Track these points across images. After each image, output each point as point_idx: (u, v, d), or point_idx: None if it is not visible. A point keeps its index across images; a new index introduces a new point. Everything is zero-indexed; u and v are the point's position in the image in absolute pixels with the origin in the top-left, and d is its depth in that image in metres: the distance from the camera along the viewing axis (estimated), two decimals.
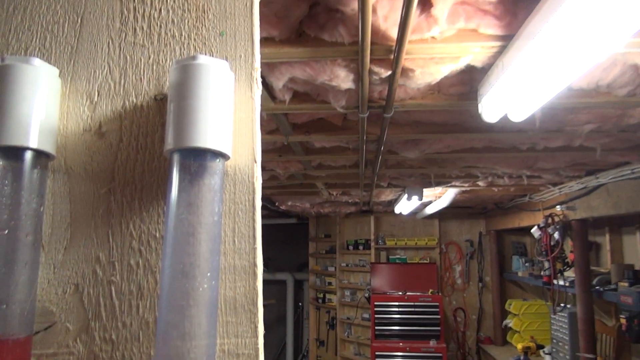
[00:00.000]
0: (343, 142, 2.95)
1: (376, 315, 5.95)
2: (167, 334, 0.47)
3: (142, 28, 0.57)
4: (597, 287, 4.06)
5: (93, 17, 0.57)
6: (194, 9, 0.56)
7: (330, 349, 6.96)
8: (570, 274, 4.48)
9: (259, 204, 0.53)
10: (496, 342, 6.14)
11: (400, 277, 6.38)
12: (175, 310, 0.47)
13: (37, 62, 0.51)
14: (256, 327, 0.50)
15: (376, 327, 5.92)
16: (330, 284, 7.14)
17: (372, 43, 1.48)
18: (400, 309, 5.95)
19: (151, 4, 0.57)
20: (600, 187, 3.69)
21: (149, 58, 0.56)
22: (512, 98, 1.69)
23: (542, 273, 4.69)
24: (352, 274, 6.87)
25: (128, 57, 0.56)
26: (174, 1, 0.57)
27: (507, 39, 1.49)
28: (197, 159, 0.49)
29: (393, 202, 5.68)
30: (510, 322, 5.66)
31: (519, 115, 1.83)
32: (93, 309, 0.51)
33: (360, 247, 6.75)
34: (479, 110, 1.89)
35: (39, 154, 0.50)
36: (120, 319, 0.51)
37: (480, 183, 4.32)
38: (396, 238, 6.66)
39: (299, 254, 7.59)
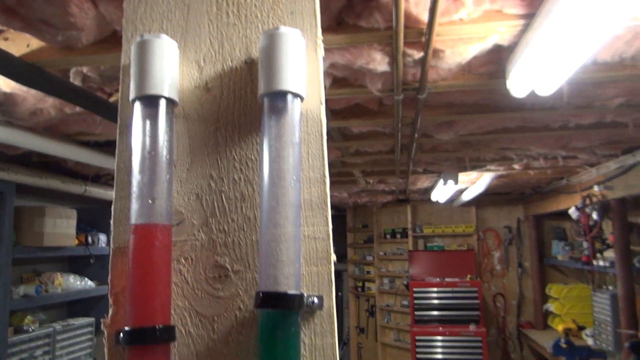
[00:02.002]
0: (379, 127, 3.11)
1: (415, 301, 6.07)
2: (265, 225, 0.66)
3: (233, 12, 0.77)
4: (638, 265, 4.08)
5: (197, 5, 0.77)
6: None
7: (370, 336, 7.13)
8: (610, 254, 4.50)
9: (325, 133, 0.72)
10: (537, 327, 6.17)
11: (438, 264, 6.48)
12: (270, 209, 0.66)
13: (164, 37, 0.71)
14: (327, 219, 0.69)
15: (415, 313, 6.05)
16: (369, 272, 7.31)
17: (405, 27, 1.64)
18: (439, 295, 6.06)
19: None
20: (637, 165, 3.72)
21: (239, 33, 0.76)
22: (538, 72, 1.82)
23: (581, 254, 4.72)
24: (390, 263, 7.01)
25: (224, 33, 0.76)
26: None
27: (529, 17, 1.63)
28: (282, 99, 0.68)
29: (429, 190, 5.79)
30: (551, 306, 5.68)
31: (546, 89, 1.96)
32: (210, 210, 0.71)
33: (398, 236, 6.88)
34: (508, 87, 2.03)
35: (169, 101, 0.70)
36: (230, 216, 0.71)
37: (516, 166, 4.39)
38: (433, 226, 6.76)
39: (337, 246, 7.73)
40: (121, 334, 0.62)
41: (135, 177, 0.67)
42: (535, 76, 1.86)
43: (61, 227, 3.73)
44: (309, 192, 0.70)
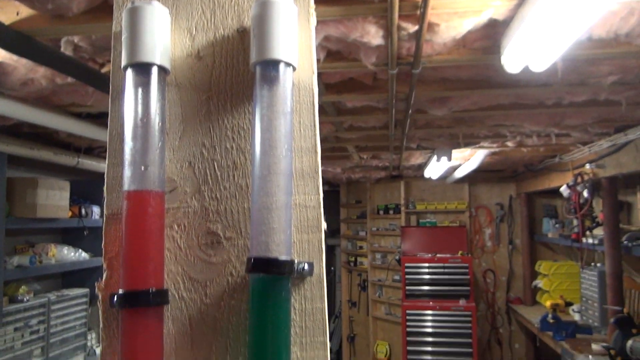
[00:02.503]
0: (373, 102, 3.10)
1: (407, 276, 6.16)
2: (257, 193, 0.67)
3: None
4: (626, 243, 4.14)
5: None
6: None
7: (362, 310, 7.24)
8: (599, 232, 4.57)
9: (316, 103, 0.72)
10: (526, 302, 6.29)
11: (430, 240, 6.55)
12: (262, 177, 0.67)
13: (155, 4, 0.70)
14: (318, 187, 0.71)
15: (407, 287, 6.14)
16: (361, 248, 7.38)
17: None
18: (430, 270, 6.14)
19: None
20: (629, 143, 3.75)
21: (232, 1, 0.75)
22: (533, 48, 1.82)
23: (571, 232, 4.79)
24: (382, 238, 7.08)
25: (216, 1, 0.76)
26: None
27: None
28: (274, 68, 0.68)
29: (423, 166, 5.81)
30: (539, 282, 5.78)
31: (540, 65, 1.96)
32: (202, 178, 0.72)
33: (391, 212, 6.94)
34: (502, 62, 2.02)
35: (160, 69, 0.70)
36: (222, 184, 0.72)
37: (509, 143, 4.41)
38: (426, 202, 6.81)
39: (330, 221, 7.83)
40: (115, 297, 0.63)
41: (128, 144, 0.67)
42: (529, 51, 1.86)
43: (54, 199, 3.73)
44: (301, 161, 0.71)
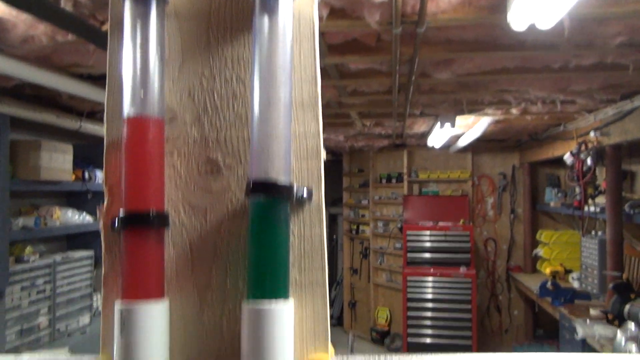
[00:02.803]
0: (377, 64, 3.07)
1: (408, 244, 6.22)
2: (256, 121, 0.67)
3: None
4: (628, 210, 4.16)
5: None
6: None
7: (363, 277, 7.33)
8: (601, 200, 4.58)
9: (317, 34, 0.72)
10: (526, 270, 6.35)
11: (432, 209, 6.58)
12: (262, 106, 0.67)
13: None
14: (317, 116, 0.71)
15: (408, 255, 6.20)
16: (363, 216, 7.43)
17: None
18: (431, 238, 6.19)
19: None
20: (635, 110, 3.72)
21: None
22: (539, 3, 1.79)
23: (573, 199, 4.80)
24: (385, 207, 7.11)
25: None
26: None
27: None
28: None
29: (426, 135, 5.79)
30: (540, 250, 5.82)
31: (546, 22, 1.93)
32: (202, 107, 0.72)
33: (393, 181, 6.95)
34: (508, 19, 1.99)
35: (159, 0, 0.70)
36: (221, 114, 0.72)
37: (513, 110, 4.38)
38: (429, 171, 6.81)
39: (333, 190, 7.86)
40: (116, 220, 0.64)
41: (127, 71, 0.67)
42: (536, 8, 1.83)
43: (57, 162, 3.75)
44: (300, 91, 0.71)
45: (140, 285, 0.63)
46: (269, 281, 0.62)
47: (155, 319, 0.63)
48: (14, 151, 3.48)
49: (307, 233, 0.68)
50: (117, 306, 0.63)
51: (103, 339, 0.68)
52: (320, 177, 0.70)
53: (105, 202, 0.69)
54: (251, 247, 0.64)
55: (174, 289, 0.68)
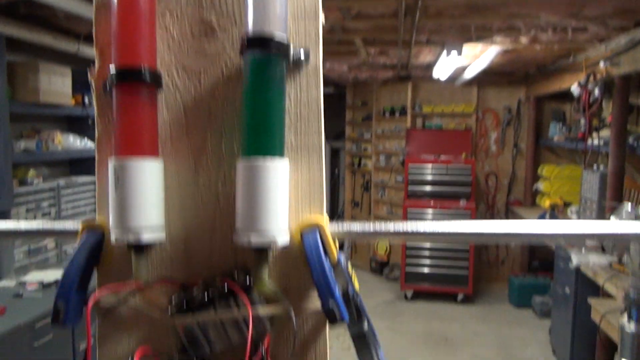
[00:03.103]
0: None
1: (409, 177, 6.24)
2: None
3: None
4: (632, 142, 4.12)
5: None
6: None
7: (364, 210, 7.43)
8: (605, 132, 4.53)
9: None
10: (525, 204, 6.41)
11: (434, 142, 6.55)
12: None
13: None
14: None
15: (409, 187, 6.24)
16: (366, 150, 7.42)
17: None
18: (433, 172, 6.20)
19: None
20: None
21: None
22: None
23: (577, 131, 4.76)
24: (387, 140, 7.08)
25: None
26: None
27: None
28: None
29: (431, 65, 5.66)
30: (540, 185, 5.84)
31: None
32: None
33: (397, 114, 6.87)
34: None
35: None
36: None
37: (523, 39, 4.24)
38: (433, 105, 6.72)
39: (335, 124, 7.80)
40: (108, 79, 0.63)
41: None
42: None
43: (56, 85, 3.70)
44: None
45: (134, 142, 0.62)
46: (264, 138, 0.61)
47: (149, 176, 0.62)
48: (12, 73, 3.42)
49: (304, 96, 0.67)
50: (111, 163, 0.63)
51: (98, 202, 0.68)
52: (318, 38, 0.67)
53: (96, 65, 0.67)
54: (246, 106, 0.63)
55: (168, 152, 0.67)
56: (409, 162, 6.26)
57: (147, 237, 0.62)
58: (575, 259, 3.94)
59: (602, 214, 4.50)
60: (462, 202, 6.03)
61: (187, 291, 0.63)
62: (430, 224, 0.69)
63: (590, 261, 3.82)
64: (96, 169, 0.69)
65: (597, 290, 3.60)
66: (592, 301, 3.37)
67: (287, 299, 0.64)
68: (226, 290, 0.61)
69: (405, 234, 0.69)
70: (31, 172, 3.63)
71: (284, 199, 0.62)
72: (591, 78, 4.35)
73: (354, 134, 7.55)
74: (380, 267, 6.96)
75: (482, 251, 6.68)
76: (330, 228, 0.66)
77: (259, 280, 0.63)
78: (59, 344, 2.96)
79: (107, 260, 0.67)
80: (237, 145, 0.67)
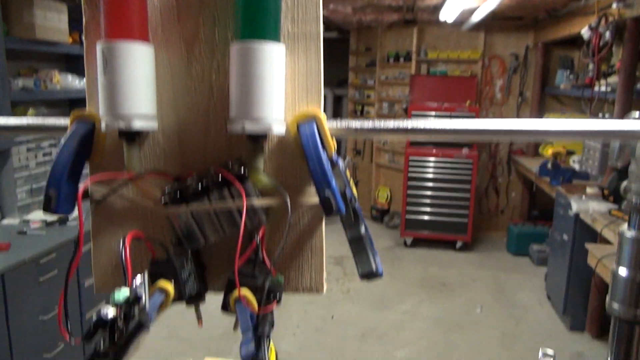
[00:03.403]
0: None
1: None
2: None
3: None
4: (639, 89, 4.05)
5: None
6: None
7: (366, 157, 7.42)
8: (613, 79, 4.44)
9: None
10: (528, 154, 6.38)
11: (439, 89, 6.44)
12: None
13: None
14: None
15: None
16: (369, 97, 7.31)
17: None
18: (436, 119, 6.14)
19: None
20: None
21: None
22: None
23: (585, 77, 4.66)
24: (391, 87, 6.97)
25: None
26: None
27: None
28: None
29: (439, 8, 5.48)
30: None
31: None
32: None
33: (401, 60, 6.73)
34: None
35: None
36: None
37: None
38: (438, 50, 6.57)
39: (338, 71, 7.66)
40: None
41: None
42: None
43: (52, 21, 3.60)
44: None
45: (122, 24, 0.59)
46: (259, 20, 0.57)
47: (139, 61, 0.59)
48: (6, 7, 3.33)
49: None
50: (99, 47, 0.60)
51: (88, 92, 0.66)
52: None
53: (84, 19, 0.63)
54: None
55: (159, 40, 0.64)
56: (412, 110, 6.18)
57: (138, 124, 0.59)
58: (575, 206, 3.95)
59: (604, 164, 4.48)
60: (465, 151, 6.00)
61: (180, 182, 0.62)
62: (430, 122, 0.67)
63: (590, 208, 3.83)
64: (85, 57, 0.66)
65: (594, 238, 3.63)
66: (590, 246, 3.40)
67: (283, 189, 0.63)
68: (220, 180, 0.59)
69: (405, 130, 0.68)
70: (30, 111, 3.60)
71: (280, 86, 0.59)
72: (602, 21, 4.22)
73: (357, 80, 7.43)
74: (380, 215, 7.02)
75: (483, 200, 6.71)
76: (328, 124, 0.64)
77: (254, 171, 0.62)
78: (64, 278, 3.02)
79: (98, 152, 0.66)
80: (231, 33, 0.64)
